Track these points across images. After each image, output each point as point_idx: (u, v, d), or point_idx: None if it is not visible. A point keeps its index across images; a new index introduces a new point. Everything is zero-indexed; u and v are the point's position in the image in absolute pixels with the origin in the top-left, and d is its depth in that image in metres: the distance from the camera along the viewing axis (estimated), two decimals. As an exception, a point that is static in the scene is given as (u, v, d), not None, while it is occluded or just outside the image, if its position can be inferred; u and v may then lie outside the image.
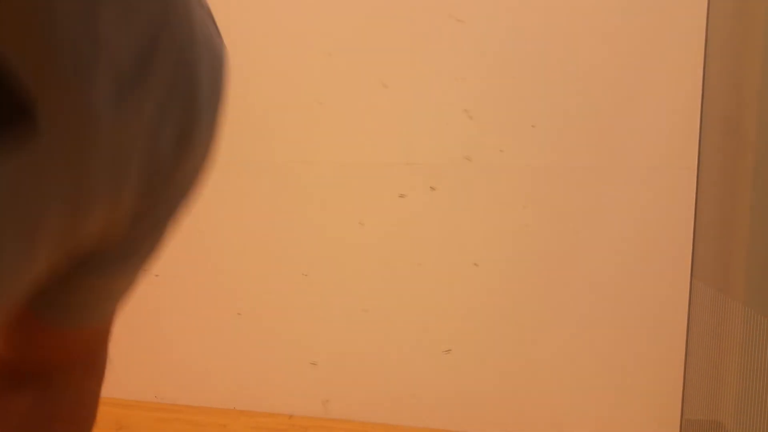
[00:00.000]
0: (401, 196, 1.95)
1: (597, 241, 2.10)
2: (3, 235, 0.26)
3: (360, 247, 2.13)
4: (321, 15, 2.10)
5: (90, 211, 0.31)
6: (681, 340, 2.10)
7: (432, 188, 2.10)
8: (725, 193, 2.04)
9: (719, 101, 1.98)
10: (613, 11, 1.99)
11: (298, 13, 2.11)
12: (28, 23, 0.23)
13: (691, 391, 2.11)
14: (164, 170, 0.35)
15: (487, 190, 2.09)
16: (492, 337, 2.20)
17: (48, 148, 0.26)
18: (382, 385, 2.26)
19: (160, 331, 2.33)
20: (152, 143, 0.32)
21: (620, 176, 2.05)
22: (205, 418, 2.34)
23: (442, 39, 2.04)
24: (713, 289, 2.05)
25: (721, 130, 2.00)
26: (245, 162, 2.21)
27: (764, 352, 1.79)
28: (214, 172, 1.97)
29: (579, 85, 2.03)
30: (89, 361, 0.48)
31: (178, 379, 2.36)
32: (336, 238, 2.15)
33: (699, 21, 1.93)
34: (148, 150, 0.32)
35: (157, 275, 2.24)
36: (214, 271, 2.24)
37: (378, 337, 2.25)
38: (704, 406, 2.11)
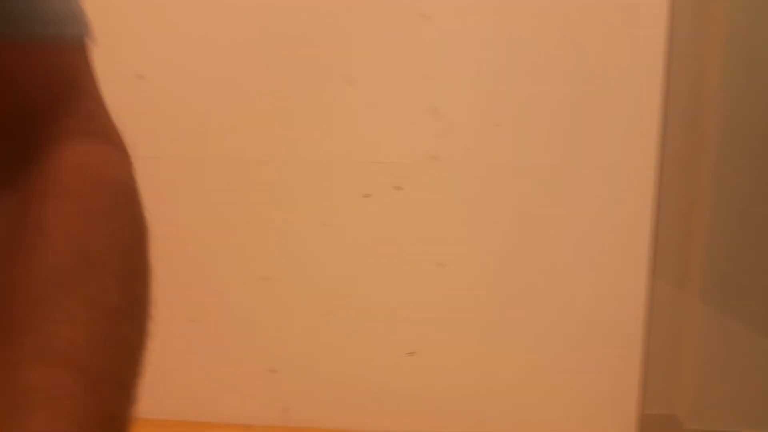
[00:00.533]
0: (366, 195, 1.89)
1: (560, 240, 2.11)
2: None
3: (323, 249, 2.05)
4: (282, 7, 2.00)
5: None
6: (639, 336, 2.14)
7: (398, 188, 2.05)
8: (685, 192, 2.09)
9: (680, 100, 2.03)
10: (576, 11, 2.00)
11: (256, 3, 2.01)
12: None
13: (648, 386, 2.15)
14: None
15: (454, 189, 2.06)
16: (457, 339, 2.17)
17: None
18: (344, 390, 2.20)
19: (106, 341, 2.17)
20: None
21: (583, 175, 2.06)
22: (154, 430, 2.20)
23: (408, 35, 1.99)
24: (671, 286, 2.10)
25: (681, 129, 2.06)
26: (200, 159, 2.09)
27: (721, 347, 1.85)
28: (168, 169, 1.85)
29: (543, 85, 2.02)
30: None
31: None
32: (298, 239, 2.07)
33: (660, 20, 1.96)
34: None
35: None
36: (167, 275, 2.10)
37: (340, 340, 2.18)
38: (661, 401, 2.17)
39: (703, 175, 2.03)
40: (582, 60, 2.02)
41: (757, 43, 1.94)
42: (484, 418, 2.21)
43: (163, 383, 2.19)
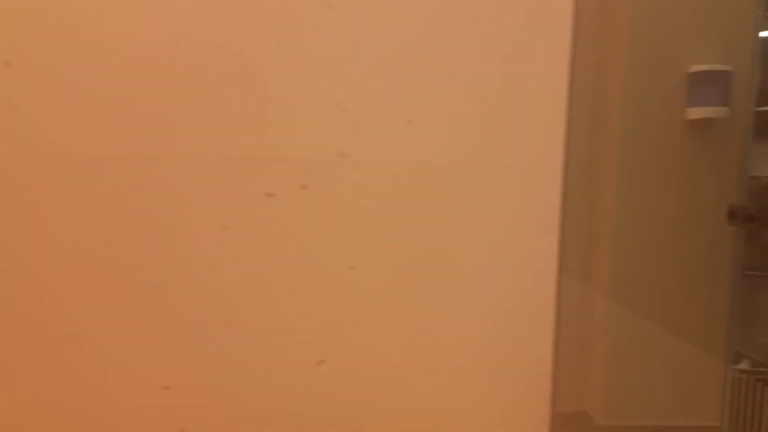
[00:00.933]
0: (268, 195, 1.75)
1: (471, 239, 2.06)
2: None
3: (222, 254, 1.89)
4: (172, -12, 1.83)
5: None
6: (550, 334, 2.14)
7: (303, 187, 1.92)
8: (590, 191, 2.11)
9: (585, 99, 2.05)
10: (482, 11, 1.97)
11: (143, -16, 1.83)
12: None
13: (560, 384, 2.16)
14: None
15: (363, 188, 1.97)
16: (369, 344, 2.08)
17: None
18: (250, 405, 2.04)
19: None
20: None
21: (493, 173, 2.03)
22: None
23: (312, 25, 1.88)
24: (579, 283, 2.12)
25: (586, 128, 2.08)
26: (77, 157, 1.87)
27: (627, 343, 1.87)
28: (40, 166, 1.60)
29: (453, 82, 1.98)
30: None
31: (6, 414, 1.95)
32: (193, 244, 1.90)
33: (565, 20, 1.97)
34: None
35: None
36: (46, 286, 1.87)
37: (243, 352, 2.03)
38: (572, 398, 2.18)
39: (607, 174, 2.05)
40: (490, 58, 1.99)
41: (658, 46, 1.98)
42: (400, 424, 2.13)
43: (46, 403, 1.96)
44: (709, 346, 1.84)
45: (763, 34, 1.94)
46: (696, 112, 1.96)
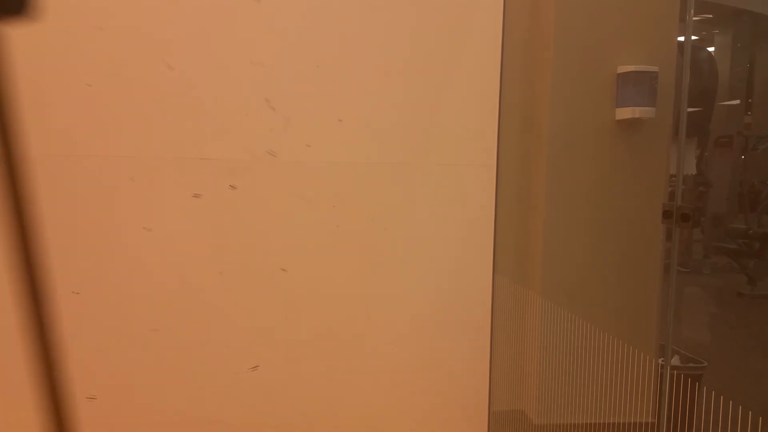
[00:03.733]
0: (196, 196, 1.69)
1: (405, 239, 2.05)
2: None
3: (146, 256, 1.81)
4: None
5: None
6: (487, 336, 2.14)
7: (232, 187, 1.87)
8: (523, 190, 2.13)
9: (517, 101, 2.06)
10: (414, 13, 1.96)
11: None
12: None
13: (496, 384, 2.16)
14: None
15: (293, 188, 1.92)
16: (305, 348, 2.03)
17: None
18: (179, 414, 1.96)
19: None
20: None
21: (426, 174, 2.02)
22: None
23: (236, 18, 1.83)
24: (513, 282, 2.13)
25: (518, 128, 2.09)
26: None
27: (559, 341, 1.88)
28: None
29: (387, 80, 1.96)
30: None
31: None
32: (116, 246, 1.81)
33: (496, 22, 1.98)
34: None
35: None
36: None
37: (172, 359, 1.95)
38: (509, 397, 2.18)
39: (538, 174, 2.07)
40: (423, 59, 1.98)
41: (586, 47, 2.01)
42: (338, 427, 2.08)
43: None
44: (642, 343, 1.87)
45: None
46: (624, 112, 2.00)
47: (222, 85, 1.81)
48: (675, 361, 2.14)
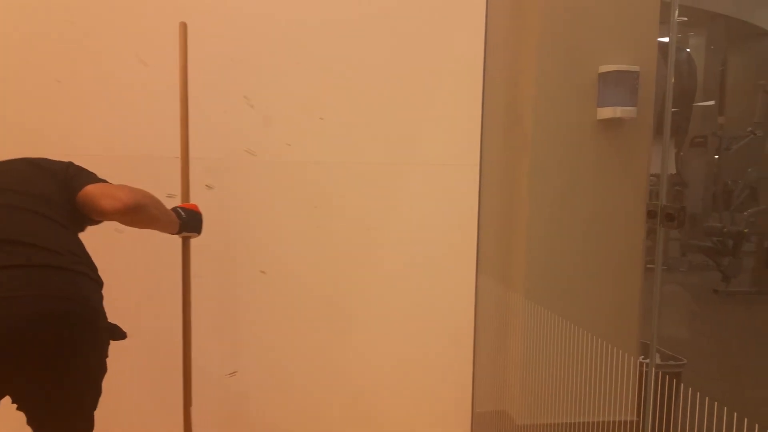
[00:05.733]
0: (170, 196, 1.63)
1: (388, 240, 2.02)
2: None
3: (117, 260, 1.75)
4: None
5: None
6: (470, 336, 2.12)
7: (208, 187, 1.82)
8: (506, 190, 2.11)
9: (500, 101, 2.04)
10: (398, 12, 1.93)
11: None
12: None
13: (480, 385, 2.14)
14: None
15: (273, 188, 1.88)
16: (284, 352, 1.99)
17: None
18: (154, 422, 1.91)
19: None
20: None
21: (409, 173, 1.99)
22: None
23: (214, 12, 1.78)
24: (497, 282, 2.11)
25: (501, 128, 2.07)
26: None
27: (542, 341, 1.87)
28: None
29: (368, 80, 1.93)
30: None
31: None
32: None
33: (479, 22, 1.96)
34: None
35: None
36: None
37: (146, 365, 1.89)
38: (492, 398, 2.16)
39: (521, 173, 2.06)
40: (406, 58, 1.95)
41: (568, 47, 2.00)
42: (322, 431, 2.06)
43: None
44: (623, 342, 1.86)
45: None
46: (606, 112, 1.99)
47: (199, 82, 1.75)
48: (656, 359, 2.15)
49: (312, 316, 2.01)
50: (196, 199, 1.73)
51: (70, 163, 1.29)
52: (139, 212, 1.23)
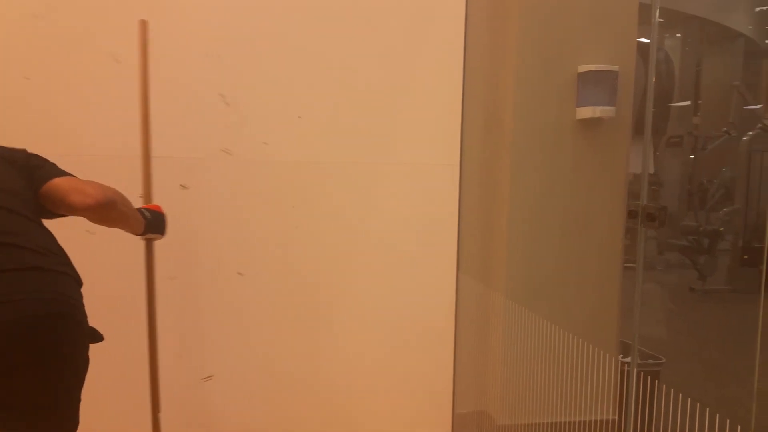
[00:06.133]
0: (143, 196, 1.59)
1: (367, 240, 1.99)
2: None
3: (89, 263, 1.69)
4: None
5: None
6: (451, 336, 2.11)
7: (183, 186, 1.77)
8: (486, 190, 2.10)
9: (479, 99, 2.03)
10: (377, 11, 1.91)
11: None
12: None
13: (460, 385, 2.13)
14: None
15: (250, 187, 1.84)
16: (262, 356, 1.95)
17: None
18: (128, 428, 1.86)
19: None
20: None
21: (389, 172, 1.97)
22: None
23: (186, 8, 1.74)
24: (477, 282, 2.10)
25: (481, 127, 2.06)
26: None
27: (522, 341, 1.86)
28: None
29: (347, 78, 1.90)
30: None
31: None
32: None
33: (458, 21, 1.95)
34: None
35: None
36: None
37: (119, 370, 1.84)
38: (473, 399, 2.15)
39: (502, 173, 2.05)
40: (386, 56, 1.93)
41: (548, 47, 2.00)
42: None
43: None
44: (603, 341, 1.86)
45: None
46: (585, 112, 1.99)
47: (173, 79, 1.71)
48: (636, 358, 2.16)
49: (290, 317, 1.98)
50: (171, 200, 1.69)
51: (30, 153, 1.22)
52: (110, 209, 1.19)
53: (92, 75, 1.69)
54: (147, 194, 1.50)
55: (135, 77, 1.48)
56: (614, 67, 1.99)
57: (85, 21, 1.68)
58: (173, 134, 1.74)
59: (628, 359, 1.55)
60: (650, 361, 2.18)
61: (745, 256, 4.70)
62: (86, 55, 1.68)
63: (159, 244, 1.55)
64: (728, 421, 0.99)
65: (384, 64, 1.93)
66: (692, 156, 5.81)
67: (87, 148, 1.74)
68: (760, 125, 4.85)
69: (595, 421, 1.57)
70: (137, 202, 1.60)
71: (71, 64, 1.68)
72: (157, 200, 1.55)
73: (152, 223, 1.40)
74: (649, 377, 1.37)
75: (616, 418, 1.58)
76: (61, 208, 1.18)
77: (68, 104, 1.70)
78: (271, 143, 1.85)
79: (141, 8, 1.70)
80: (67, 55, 1.68)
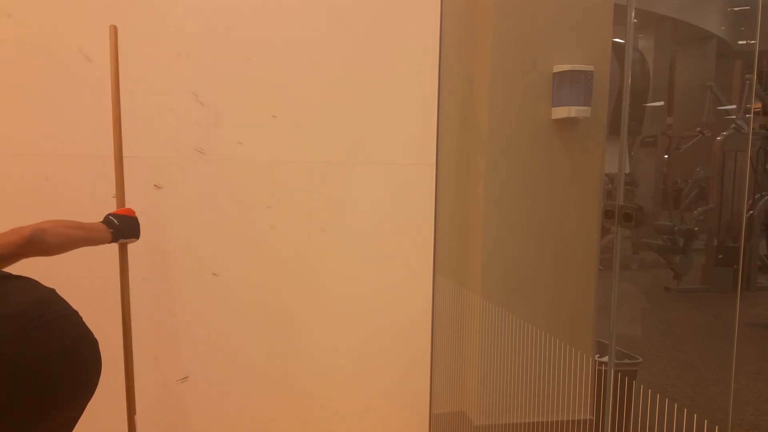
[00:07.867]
0: (116, 197, 1.55)
1: (343, 240, 1.98)
2: None
3: (61, 263, 1.66)
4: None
5: None
6: (427, 337, 2.10)
7: (156, 186, 1.74)
8: (462, 190, 2.10)
9: (455, 99, 2.03)
10: (352, 10, 1.90)
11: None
12: None
13: (437, 386, 2.13)
14: None
15: (224, 188, 1.82)
16: (237, 357, 1.93)
17: None
18: (104, 430, 1.82)
19: None
20: None
21: (364, 172, 1.96)
22: None
23: (158, 6, 1.70)
24: (454, 282, 2.10)
25: (457, 127, 2.06)
26: None
27: (499, 341, 1.87)
28: None
29: (321, 77, 1.88)
30: None
31: None
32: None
33: (433, 20, 1.95)
34: None
35: None
36: None
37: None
38: (450, 399, 2.15)
39: (477, 173, 2.05)
40: (361, 55, 1.91)
41: (522, 46, 2.00)
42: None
43: None
44: (579, 341, 1.87)
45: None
46: (561, 112, 2.01)
47: (146, 78, 1.68)
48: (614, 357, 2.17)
49: (266, 318, 1.95)
50: (145, 200, 1.67)
51: None
52: (46, 237, 1.20)
53: (63, 74, 1.64)
54: (120, 194, 1.47)
55: (107, 77, 1.45)
56: (589, 67, 2.00)
57: (56, 20, 1.64)
58: (146, 134, 1.71)
59: (605, 359, 1.56)
60: (626, 361, 2.20)
61: (720, 256, 4.78)
62: (57, 55, 1.64)
63: (132, 246, 1.52)
64: (706, 421, 1.00)
65: (359, 63, 1.92)
66: (666, 156, 5.89)
67: (59, 149, 1.70)
68: (733, 125, 4.94)
69: (572, 421, 1.58)
70: (110, 203, 1.57)
71: (41, 63, 1.64)
72: (131, 200, 1.52)
73: (121, 230, 1.39)
74: (626, 377, 1.38)
75: (593, 417, 1.59)
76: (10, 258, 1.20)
77: (39, 104, 1.66)
78: (246, 143, 1.82)
79: (113, 7, 1.66)
80: (37, 54, 1.63)
